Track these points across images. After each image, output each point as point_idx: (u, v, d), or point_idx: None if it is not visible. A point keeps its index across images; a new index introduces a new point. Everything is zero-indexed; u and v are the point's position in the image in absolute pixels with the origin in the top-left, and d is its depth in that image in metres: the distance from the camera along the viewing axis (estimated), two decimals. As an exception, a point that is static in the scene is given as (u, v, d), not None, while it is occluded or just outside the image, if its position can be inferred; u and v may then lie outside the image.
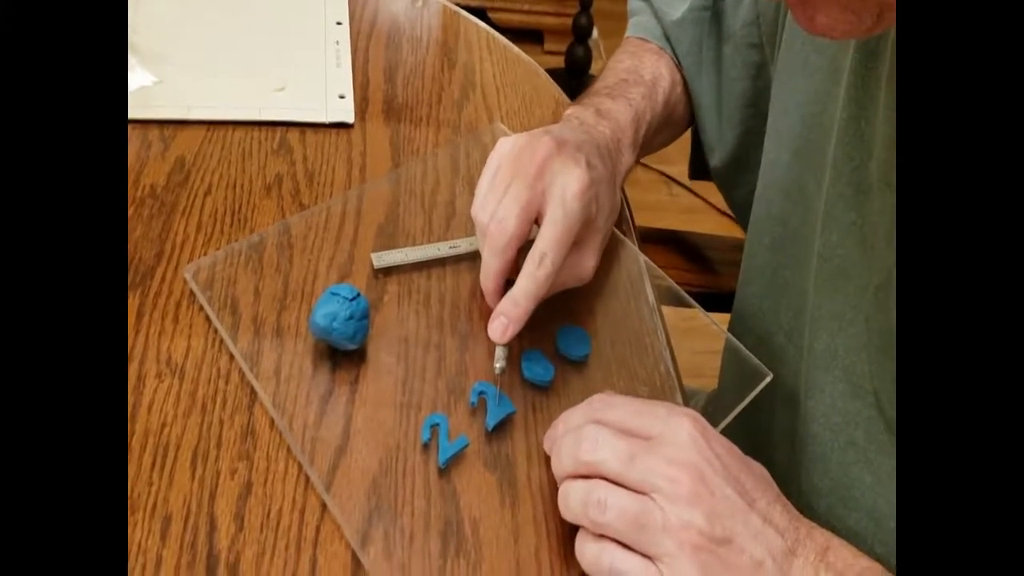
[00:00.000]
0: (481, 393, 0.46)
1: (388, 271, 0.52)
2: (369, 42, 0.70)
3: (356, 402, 0.46)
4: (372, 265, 0.52)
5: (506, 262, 0.47)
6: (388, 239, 0.54)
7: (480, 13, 1.90)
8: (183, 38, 0.65)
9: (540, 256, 0.45)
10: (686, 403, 0.49)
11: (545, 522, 0.42)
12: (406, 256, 0.52)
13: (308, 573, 0.39)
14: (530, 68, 0.71)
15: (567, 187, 0.46)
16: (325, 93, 0.63)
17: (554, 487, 0.42)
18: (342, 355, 0.47)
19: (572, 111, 0.57)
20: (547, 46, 1.98)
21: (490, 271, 0.47)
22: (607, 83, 0.61)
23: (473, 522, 0.42)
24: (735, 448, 0.40)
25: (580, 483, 0.38)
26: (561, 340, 0.50)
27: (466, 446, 0.44)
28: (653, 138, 0.61)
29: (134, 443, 0.42)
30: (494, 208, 0.46)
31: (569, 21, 1.78)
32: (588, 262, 0.50)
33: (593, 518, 0.37)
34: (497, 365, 0.46)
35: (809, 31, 0.34)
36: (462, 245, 0.53)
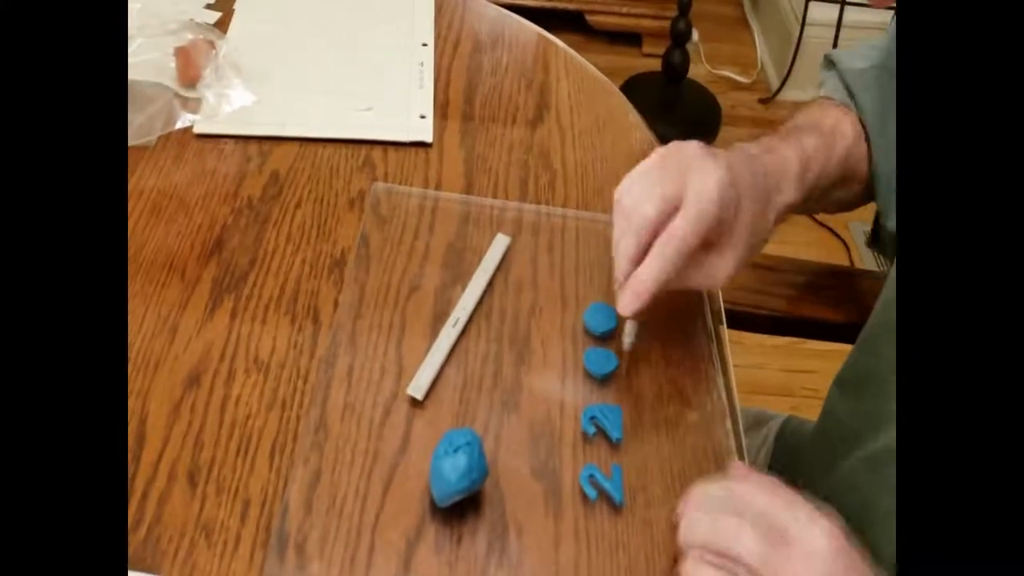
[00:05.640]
0: (593, 418, 0.49)
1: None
2: (452, 61, 0.74)
3: (416, 408, 0.50)
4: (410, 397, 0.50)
5: (639, 245, 0.48)
6: (456, 256, 0.58)
7: (577, 16, 1.93)
8: (281, 58, 0.71)
9: (668, 237, 0.47)
10: (737, 431, 0.50)
11: (586, 533, 0.45)
12: (434, 367, 0.51)
13: (366, 556, 0.43)
14: (606, 88, 0.74)
15: (705, 182, 0.48)
16: (408, 113, 0.67)
17: (589, 504, 0.45)
18: (407, 364, 0.52)
19: (738, 144, 0.57)
20: (645, 49, 1.98)
21: (623, 252, 0.48)
22: (781, 131, 0.60)
23: (518, 528, 0.45)
24: (868, 571, 0.39)
25: (712, 571, 0.40)
26: (590, 319, 0.53)
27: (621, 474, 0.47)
28: (829, 192, 0.59)
29: (222, 432, 0.48)
30: (637, 193, 0.49)
31: (668, 24, 1.78)
32: (721, 267, 0.50)
33: None
34: (626, 340, 0.50)
35: None
36: (461, 317, 0.53)
